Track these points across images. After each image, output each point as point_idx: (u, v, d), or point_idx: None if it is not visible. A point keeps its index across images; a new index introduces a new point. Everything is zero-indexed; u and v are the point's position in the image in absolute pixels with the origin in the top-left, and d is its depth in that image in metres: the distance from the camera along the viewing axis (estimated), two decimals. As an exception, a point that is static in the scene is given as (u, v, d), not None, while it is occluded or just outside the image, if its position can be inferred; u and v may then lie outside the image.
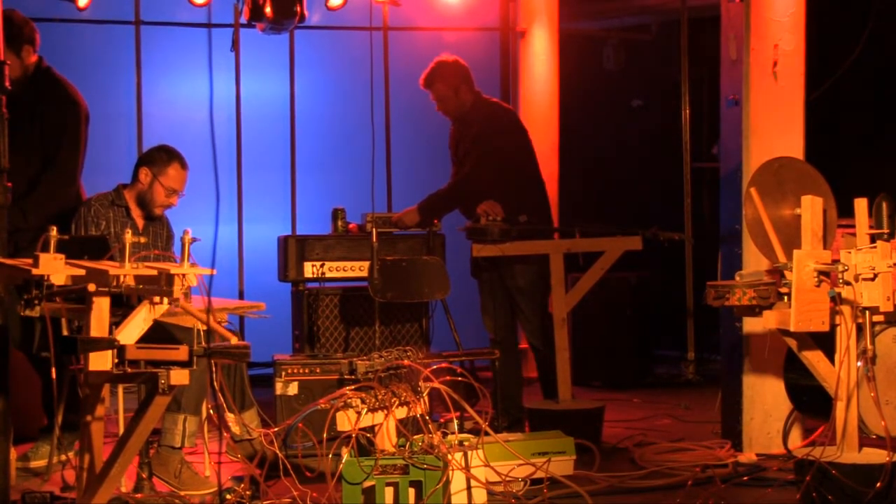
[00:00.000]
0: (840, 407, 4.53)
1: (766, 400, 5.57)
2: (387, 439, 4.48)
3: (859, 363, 4.51)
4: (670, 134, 8.34)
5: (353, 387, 4.47)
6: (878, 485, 4.34)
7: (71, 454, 4.95)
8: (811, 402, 4.96)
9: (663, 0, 8.87)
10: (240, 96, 7.83)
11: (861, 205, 4.58)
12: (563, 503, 4.71)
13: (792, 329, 4.46)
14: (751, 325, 5.47)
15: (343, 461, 4.33)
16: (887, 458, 4.41)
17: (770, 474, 5.11)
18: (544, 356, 6.18)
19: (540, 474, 4.73)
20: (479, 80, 6.47)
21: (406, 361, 4.66)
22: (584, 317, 7.72)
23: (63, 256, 3.77)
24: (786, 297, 4.54)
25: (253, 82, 8.01)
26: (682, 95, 7.94)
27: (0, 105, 4.41)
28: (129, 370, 3.67)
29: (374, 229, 6.06)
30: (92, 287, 3.71)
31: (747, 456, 5.46)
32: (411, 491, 4.30)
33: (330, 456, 4.33)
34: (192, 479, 5.05)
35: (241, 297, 7.74)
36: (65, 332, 4.09)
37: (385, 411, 4.45)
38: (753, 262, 5.35)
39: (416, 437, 4.45)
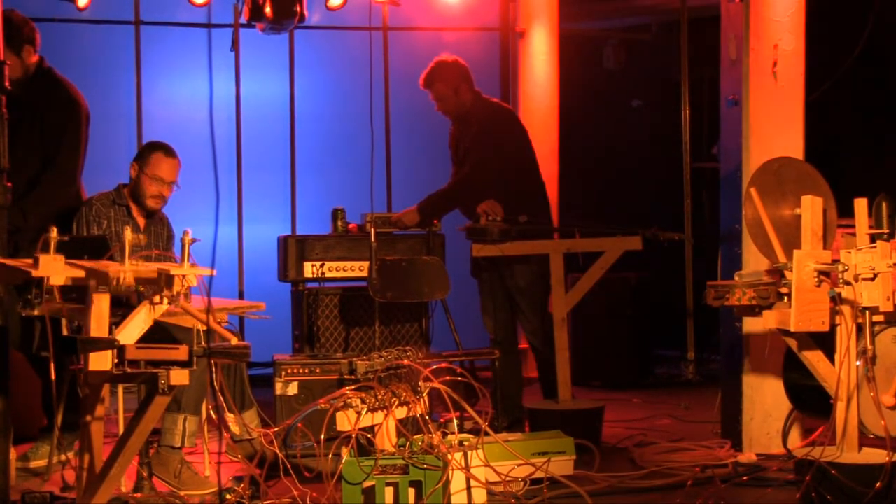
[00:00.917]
0: (840, 407, 4.53)
1: (765, 400, 5.57)
2: (387, 439, 4.48)
3: (859, 363, 4.51)
4: (670, 134, 8.33)
5: (352, 387, 4.47)
6: (878, 485, 4.34)
7: (71, 454, 4.95)
8: (811, 402, 4.96)
9: (663, 0, 8.87)
10: (240, 96, 7.84)
11: (861, 205, 4.58)
12: (563, 503, 4.71)
13: (792, 329, 4.46)
14: (751, 325, 5.47)
15: (343, 461, 4.33)
16: (887, 458, 4.41)
17: (770, 474, 5.11)
18: (544, 356, 6.17)
19: (540, 474, 4.73)
20: (479, 80, 6.47)
21: (406, 361, 4.66)
22: (584, 317, 7.72)
23: (63, 257, 3.76)
24: (786, 297, 4.54)
25: (253, 82, 8.01)
26: (682, 95, 7.94)
27: (0, 105, 4.41)
28: (129, 370, 3.67)
29: (373, 229, 6.06)
30: (92, 286, 3.71)
31: (747, 456, 5.46)
32: (411, 491, 4.30)
33: (330, 456, 4.33)
34: (192, 479, 5.05)
35: (241, 297, 7.74)
36: (65, 333, 4.09)
37: (385, 411, 4.45)
38: (753, 262, 5.35)
39: (416, 437, 4.45)
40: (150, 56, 7.88)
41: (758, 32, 5.56)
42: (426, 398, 4.65)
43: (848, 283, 4.41)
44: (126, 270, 3.78)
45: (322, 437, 4.30)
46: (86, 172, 5.92)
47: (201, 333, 3.86)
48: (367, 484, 4.30)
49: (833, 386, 4.54)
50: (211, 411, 5.17)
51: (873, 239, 4.51)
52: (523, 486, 4.75)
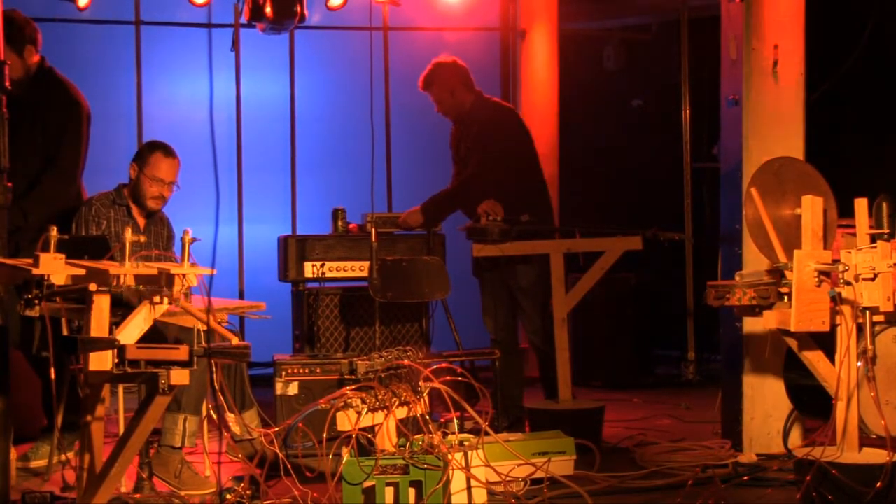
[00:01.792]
0: (840, 407, 4.53)
1: (766, 400, 5.57)
2: (387, 439, 4.48)
3: (859, 363, 4.51)
4: (670, 134, 8.33)
5: (353, 387, 4.47)
6: (878, 485, 4.34)
7: (71, 454, 4.95)
8: (811, 402, 4.96)
9: (663, 0, 8.87)
10: (240, 96, 7.84)
11: (861, 205, 4.58)
12: (563, 503, 4.71)
13: (792, 329, 4.46)
14: (751, 325, 5.47)
15: (343, 461, 4.33)
16: (887, 458, 4.41)
17: (770, 474, 5.11)
18: (546, 356, 6.17)
19: (540, 474, 4.73)
20: (479, 80, 6.47)
21: (406, 361, 4.66)
22: (584, 317, 7.72)
23: (63, 256, 3.77)
24: (786, 297, 4.54)
25: (253, 82, 8.01)
26: (682, 95, 7.94)
27: (0, 105, 4.41)
28: (129, 370, 3.67)
29: (373, 229, 6.06)
30: (93, 287, 3.71)
31: (747, 456, 5.45)
32: (411, 491, 4.30)
33: (330, 456, 4.33)
34: (192, 479, 5.05)
35: (241, 297, 7.74)
36: (65, 333, 4.09)
37: (385, 411, 4.45)
38: (753, 262, 5.35)
39: (416, 437, 4.45)
40: (150, 56, 7.88)
41: (758, 32, 5.56)
42: (426, 398, 4.65)
43: (848, 284, 4.41)
44: (126, 270, 3.78)
45: (323, 437, 4.30)
46: (86, 172, 5.93)
47: (201, 333, 3.86)
48: (367, 484, 4.30)
49: (833, 386, 4.54)
50: (211, 411, 5.17)
51: (873, 239, 4.51)
52: (524, 486, 4.75)
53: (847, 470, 4.40)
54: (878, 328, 4.64)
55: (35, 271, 3.72)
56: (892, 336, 4.73)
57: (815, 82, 6.27)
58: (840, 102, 7.78)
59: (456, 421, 4.54)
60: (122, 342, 3.68)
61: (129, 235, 3.85)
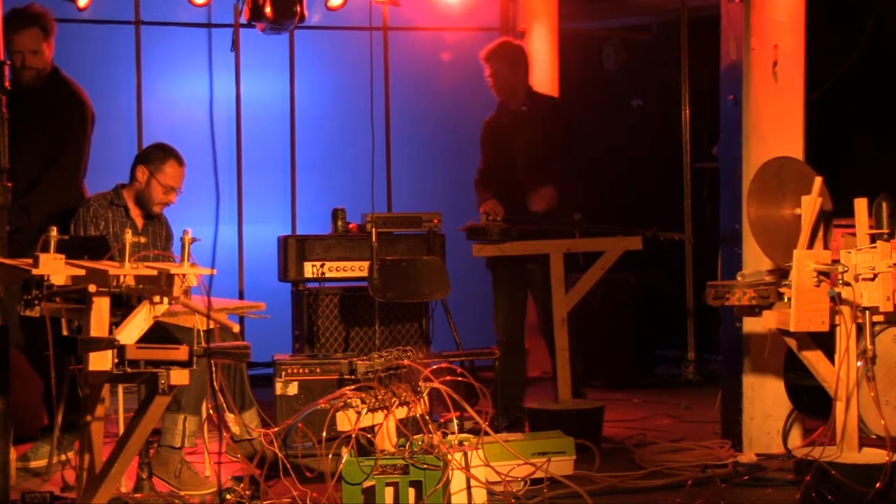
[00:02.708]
0: (840, 407, 4.53)
1: (766, 400, 5.57)
2: (387, 439, 4.48)
3: (859, 363, 4.51)
4: (670, 134, 8.33)
5: (353, 387, 4.48)
6: (878, 485, 4.34)
7: (71, 454, 4.95)
8: (811, 402, 4.96)
9: (663, 0, 8.86)
10: (240, 96, 7.83)
11: (861, 205, 4.58)
12: (563, 503, 4.71)
13: (792, 329, 4.46)
14: (751, 325, 5.47)
15: (343, 461, 4.33)
16: (887, 458, 4.41)
17: (770, 474, 5.11)
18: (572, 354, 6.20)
19: (540, 474, 4.73)
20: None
21: (406, 361, 4.66)
22: (584, 317, 7.71)
23: (63, 256, 3.77)
24: (786, 297, 4.54)
25: (253, 82, 8.01)
26: (682, 95, 7.93)
27: (0, 105, 4.42)
28: (129, 370, 3.67)
29: (373, 229, 6.06)
30: (92, 288, 3.71)
31: (747, 456, 5.46)
32: (411, 491, 4.30)
33: (330, 456, 4.33)
34: (192, 479, 5.05)
35: (241, 297, 7.73)
36: (65, 333, 4.09)
37: (385, 411, 4.45)
38: (753, 262, 5.35)
39: (416, 437, 4.45)
40: (150, 56, 7.88)
41: (758, 32, 5.56)
42: (426, 398, 4.65)
43: (848, 284, 4.41)
44: (126, 271, 3.78)
45: (322, 437, 4.30)
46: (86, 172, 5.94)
47: (201, 333, 3.86)
48: (367, 484, 4.30)
49: (833, 386, 4.54)
50: (211, 411, 5.17)
51: (873, 239, 4.51)
52: (523, 486, 4.75)
53: (846, 470, 4.40)
54: (877, 328, 4.64)
55: (35, 271, 3.72)
56: (892, 336, 4.73)
57: (815, 82, 6.26)
58: (840, 102, 7.78)
59: (456, 421, 4.55)
60: (121, 342, 3.68)
61: (128, 236, 3.85)
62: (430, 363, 4.74)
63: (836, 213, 4.81)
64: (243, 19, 7.09)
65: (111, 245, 4.81)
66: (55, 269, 3.74)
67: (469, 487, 4.39)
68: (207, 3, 7.39)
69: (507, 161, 6.40)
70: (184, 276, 3.86)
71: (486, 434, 4.54)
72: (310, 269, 6.33)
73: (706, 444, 5.69)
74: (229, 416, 5.15)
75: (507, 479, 4.59)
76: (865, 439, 4.63)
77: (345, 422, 4.34)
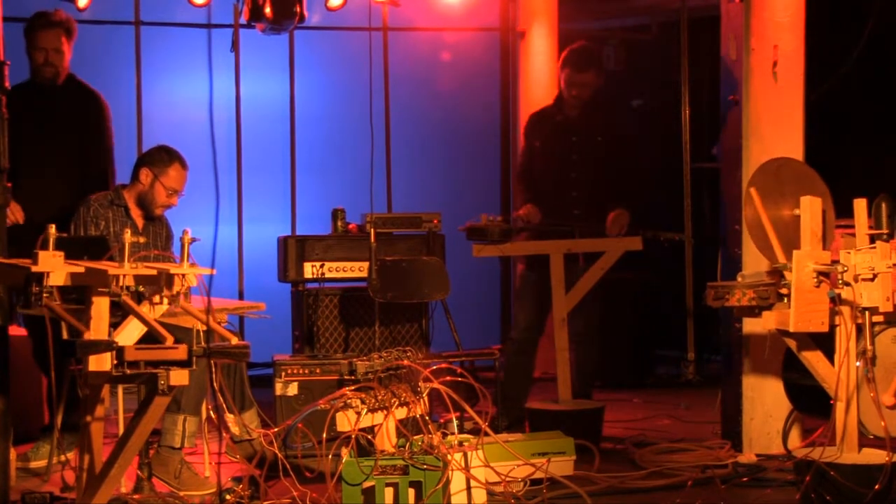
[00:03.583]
0: (840, 407, 4.53)
1: (765, 400, 5.57)
2: (386, 440, 4.48)
3: (859, 364, 4.51)
4: (670, 134, 8.32)
5: (352, 387, 4.47)
6: (878, 485, 4.34)
7: (71, 454, 4.95)
8: (811, 403, 4.96)
9: (663, 0, 8.87)
10: (240, 97, 7.84)
11: (861, 205, 4.58)
12: (563, 503, 4.71)
13: (791, 329, 4.46)
14: (751, 325, 5.47)
15: (343, 461, 4.33)
16: (887, 459, 4.41)
17: (770, 474, 5.11)
18: (588, 353, 6.17)
19: (540, 475, 4.73)
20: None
21: (406, 362, 4.66)
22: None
23: (62, 254, 3.77)
24: (785, 298, 4.54)
25: (253, 83, 8.01)
26: (682, 95, 7.92)
27: (0, 105, 4.43)
28: (128, 371, 3.67)
29: (373, 230, 6.06)
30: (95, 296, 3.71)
31: (747, 456, 5.46)
32: (411, 491, 4.30)
33: (330, 456, 4.33)
34: (192, 479, 5.05)
35: (241, 297, 7.74)
36: (64, 335, 4.09)
37: (385, 411, 4.45)
38: (753, 262, 5.35)
39: (416, 437, 4.45)
40: (150, 56, 7.88)
41: (758, 32, 5.56)
42: (426, 398, 4.65)
43: (847, 284, 4.41)
44: (126, 271, 3.78)
45: (322, 437, 4.30)
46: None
47: (201, 333, 3.86)
48: (366, 484, 4.30)
49: (833, 386, 4.54)
50: (211, 412, 5.17)
51: (873, 239, 4.51)
52: (523, 486, 4.75)
53: (846, 470, 4.40)
54: (877, 328, 4.63)
55: (34, 269, 3.72)
56: (892, 336, 4.72)
57: (815, 82, 6.26)
58: (840, 102, 7.78)
59: (455, 421, 4.55)
60: (120, 344, 3.68)
61: (128, 236, 3.85)
62: (429, 363, 4.74)
63: (835, 214, 4.81)
64: (243, 20, 7.09)
65: (111, 245, 4.81)
66: (54, 266, 3.74)
67: (469, 488, 4.38)
68: (207, 3, 7.39)
69: (554, 163, 6.30)
70: (184, 276, 3.86)
71: (486, 434, 4.54)
72: (310, 270, 6.32)
73: (706, 445, 5.69)
74: (229, 417, 5.15)
75: (507, 479, 4.59)
76: (865, 440, 4.63)
77: (345, 422, 4.34)
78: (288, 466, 4.39)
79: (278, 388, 5.53)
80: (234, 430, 5.23)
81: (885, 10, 7.60)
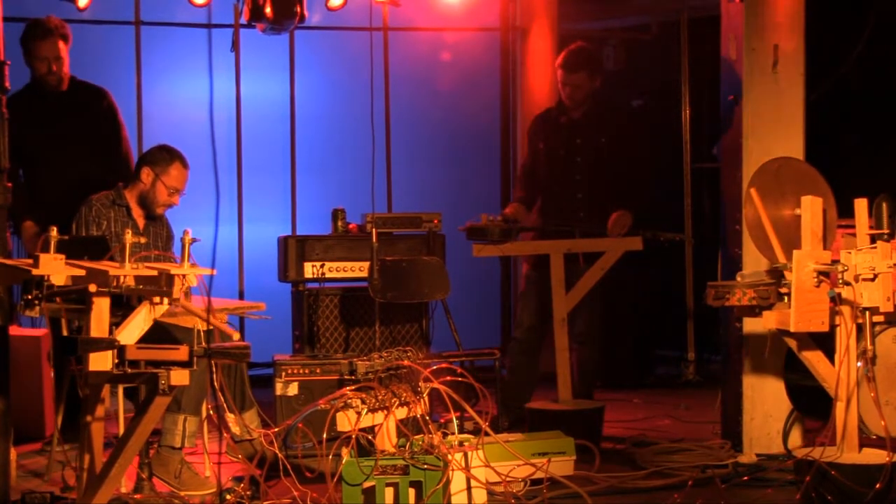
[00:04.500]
0: (840, 407, 4.53)
1: (766, 400, 5.57)
2: (387, 439, 4.48)
3: (859, 363, 4.51)
4: (670, 134, 8.33)
5: (353, 387, 4.47)
6: (878, 485, 4.34)
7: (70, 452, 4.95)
8: (811, 403, 4.96)
9: (663, 0, 8.87)
10: (240, 97, 7.84)
11: (861, 205, 4.58)
12: (563, 503, 4.71)
13: (792, 329, 4.46)
14: (751, 325, 5.47)
15: (343, 461, 4.33)
16: (887, 459, 4.41)
17: (770, 474, 5.11)
18: (589, 355, 6.17)
19: (540, 475, 4.73)
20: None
21: (406, 362, 4.66)
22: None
23: (63, 257, 3.77)
24: (786, 298, 4.54)
25: (253, 83, 8.01)
26: (682, 95, 7.94)
27: (0, 105, 4.44)
28: (129, 370, 3.67)
29: (373, 229, 6.06)
30: (93, 288, 3.71)
31: (747, 456, 5.46)
32: (411, 491, 4.30)
33: (330, 456, 4.33)
34: (192, 479, 5.05)
35: (241, 297, 7.74)
36: (64, 331, 4.08)
37: (385, 411, 4.45)
38: (753, 262, 5.35)
39: (416, 437, 4.45)
40: (150, 56, 7.88)
41: (758, 32, 5.56)
42: (426, 398, 4.65)
43: (848, 284, 4.41)
44: (126, 271, 3.78)
45: (323, 437, 4.30)
46: (86, 172, 5.97)
47: (201, 333, 3.86)
48: (367, 484, 4.30)
49: (833, 386, 4.54)
50: (211, 411, 5.17)
51: (873, 239, 4.51)
52: (523, 486, 4.75)
53: (846, 470, 4.40)
54: (877, 328, 4.64)
55: (35, 271, 3.72)
56: (892, 336, 4.73)
57: (815, 82, 6.26)
58: (840, 102, 7.78)
59: (456, 421, 4.55)
60: (121, 343, 3.68)
61: (129, 236, 3.85)
62: (430, 363, 4.74)
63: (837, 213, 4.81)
64: (243, 20, 7.09)
65: (112, 245, 4.81)
66: (55, 269, 3.74)
67: (469, 488, 4.39)
68: (207, 3, 7.40)
69: (559, 165, 6.30)
70: (184, 276, 3.86)
71: (487, 434, 4.54)
72: (310, 270, 6.33)
73: (706, 445, 5.69)
74: (229, 417, 5.15)
75: (507, 479, 4.59)
76: (865, 440, 4.63)
77: (345, 422, 4.34)
78: (288, 466, 4.39)
79: (278, 388, 5.53)
80: (235, 429, 5.23)
81: (885, 10, 7.60)
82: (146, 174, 5.44)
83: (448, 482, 4.30)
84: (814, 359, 4.63)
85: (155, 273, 3.85)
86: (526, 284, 6.40)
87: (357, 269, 6.37)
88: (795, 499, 4.60)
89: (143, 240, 4.56)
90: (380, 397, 4.44)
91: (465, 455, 4.40)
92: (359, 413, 4.34)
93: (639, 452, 5.55)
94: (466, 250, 6.16)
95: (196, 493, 4.97)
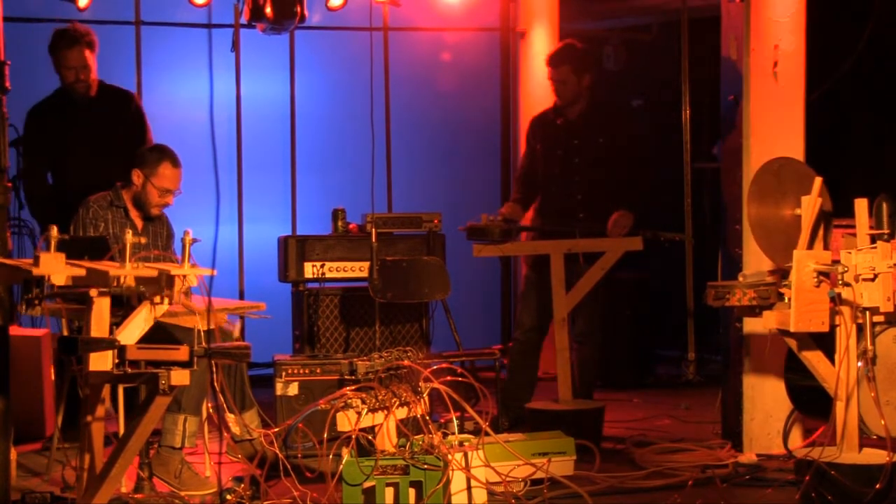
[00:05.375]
0: (840, 407, 4.54)
1: (766, 400, 5.57)
2: (387, 439, 4.48)
3: (859, 363, 4.51)
4: (670, 134, 8.33)
5: (353, 387, 4.48)
6: (878, 485, 4.34)
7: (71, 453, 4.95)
8: (811, 403, 4.96)
9: (663, 0, 8.86)
10: (240, 96, 7.83)
11: (861, 205, 4.58)
12: (563, 503, 4.71)
13: (792, 329, 4.46)
14: (751, 325, 5.47)
15: (343, 461, 4.33)
16: (887, 459, 4.41)
17: (770, 474, 5.11)
18: (590, 356, 6.17)
19: (540, 475, 4.73)
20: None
21: (406, 362, 4.66)
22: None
23: (63, 256, 3.77)
24: (786, 298, 4.54)
25: (253, 83, 8.01)
26: (682, 95, 7.93)
27: (0, 105, 4.44)
28: (129, 370, 3.67)
29: (373, 229, 6.06)
30: (94, 293, 3.71)
31: (747, 456, 5.46)
32: (411, 491, 4.30)
33: (330, 456, 4.33)
34: (193, 479, 5.05)
35: (241, 297, 7.73)
36: (64, 331, 4.09)
37: (385, 412, 4.46)
38: (754, 262, 5.35)
39: (416, 437, 4.45)
40: (150, 56, 7.88)
41: (758, 32, 5.56)
42: (426, 398, 4.65)
43: (848, 284, 4.41)
44: (126, 272, 3.78)
45: (323, 437, 4.30)
46: (87, 173, 5.97)
47: (202, 333, 3.86)
48: (367, 484, 4.30)
49: (833, 386, 4.54)
50: (211, 411, 5.17)
51: (873, 239, 4.51)
52: (524, 486, 4.75)
53: (846, 470, 4.41)
54: (878, 328, 4.64)
55: (35, 271, 3.72)
56: (892, 336, 4.73)
57: (815, 82, 6.26)
58: (840, 102, 7.77)
59: (456, 421, 4.55)
60: (122, 343, 3.68)
61: (129, 236, 3.85)
62: (430, 363, 4.74)
63: (836, 213, 4.81)
64: (243, 20, 7.09)
65: (111, 245, 4.81)
66: (55, 268, 3.74)
67: (469, 488, 4.39)
68: (208, 3, 7.39)
69: (557, 167, 6.29)
70: (184, 276, 3.86)
71: (487, 434, 4.54)
72: (310, 270, 6.33)
73: (706, 445, 5.69)
74: (230, 417, 5.15)
75: (508, 479, 4.59)
76: (865, 439, 4.63)
77: (345, 422, 4.34)
78: (288, 466, 4.39)
79: (279, 388, 5.53)
80: (235, 429, 5.23)
81: (885, 10, 7.60)
82: (136, 176, 5.42)
83: (448, 482, 4.30)
84: (814, 359, 4.63)
85: (155, 273, 3.85)
86: (526, 285, 6.41)
87: (357, 269, 6.37)
88: (795, 499, 4.60)
89: (142, 240, 4.56)
90: (380, 397, 4.45)
91: (466, 455, 4.40)
92: (359, 413, 4.34)
93: (639, 452, 5.55)
94: (466, 250, 6.16)
95: (196, 493, 4.97)
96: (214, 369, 4.12)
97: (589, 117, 6.26)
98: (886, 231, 4.54)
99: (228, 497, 4.49)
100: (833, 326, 4.49)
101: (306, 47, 8.26)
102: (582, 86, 6.22)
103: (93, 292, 3.71)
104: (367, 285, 5.98)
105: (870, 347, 4.47)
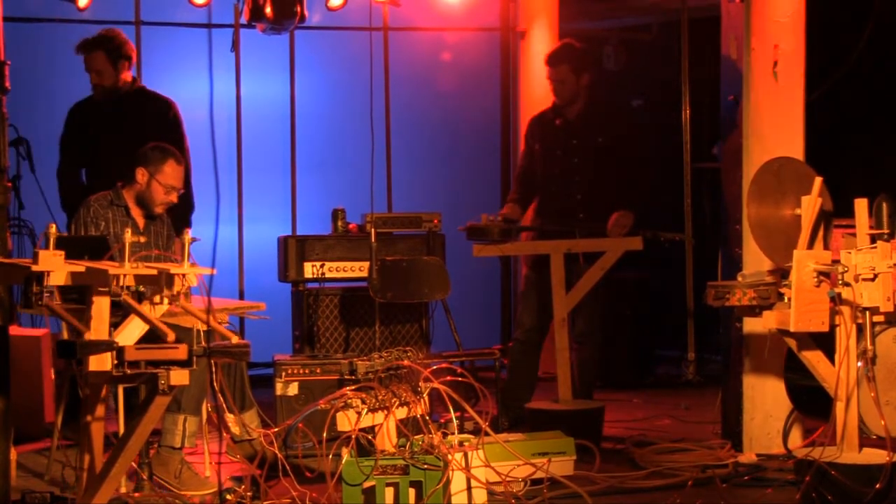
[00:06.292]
0: (840, 407, 4.53)
1: (766, 400, 5.57)
2: (387, 439, 4.48)
3: (859, 363, 4.51)
4: (670, 134, 8.33)
5: (353, 387, 4.48)
6: (878, 485, 4.34)
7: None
8: (811, 403, 4.96)
9: (663, 0, 8.87)
10: (240, 97, 7.84)
11: (861, 205, 4.58)
12: (563, 503, 4.71)
13: (792, 329, 4.46)
14: (751, 325, 5.47)
15: (343, 461, 4.33)
16: (887, 459, 4.41)
17: (770, 474, 5.11)
18: (590, 357, 6.17)
19: (540, 474, 4.73)
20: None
21: (406, 362, 4.66)
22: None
23: (63, 253, 3.76)
24: (786, 298, 4.54)
25: (253, 83, 8.01)
26: (682, 95, 7.93)
27: (0, 105, 4.44)
28: (128, 371, 3.67)
29: (373, 229, 6.06)
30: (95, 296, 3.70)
31: (747, 456, 5.46)
32: (411, 491, 4.30)
33: (330, 456, 4.33)
34: (192, 479, 5.05)
35: (241, 297, 7.74)
36: (64, 335, 4.08)
37: (385, 412, 4.45)
38: (754, 262, 5.35)
39: (416, 437, 4.45)
40: (150, 56, 7.88)
41: (758, 32, 5.56)
42: (426, 398, 4.65)
43: (847, 284, 4.41)
44: (126, 271, 3.78)
45: (323, 437, 4.30)
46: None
47: (201, 333, 3.86)
48: (367, 484, 4.30)
49: (833, 386, 4.54)
50: (211, 412, 5.17)
51: (873, 239, 4.51)
52: (524, 486, 4.75)
53: (846, 470, 4.40)
54: (878, 328, 4.64)
55: (34, 268, 3.72)
56: (892, 336, 4.73)
57: (815, 82, 6.26)
58: (840, 102, 7.77)
59: (456, 421, 4.55)
60: (121, 344, 3.68)
61: (129, 236, 3.85)
62: (430, 363, 4.74)
63: (836, 213, 4.81)
64: (243, 20, 7.09)
65: (111, 245, 4.81)
66: (54, 266, 3.74)
67: (469, 488, 4.39)
68: (208, 3, 7.40)
69: (556, 167, 6.27)
70: (184, 276, 3.86)
71: (487, 434, 4.54)
72: (310, 270, 6.33)
73: (706, 445, 5.69)
74: (229, 417, 5.15)
75: (508, 479, 4.59)
76: (866, 439, 4.63)
77: (345, 422, 4.34)
78: (288, 466, 4.39)
79: (278, 388, 5.54)
80: (235, 429, 5.23)
81: (885, 10, 7.60)
82: (141, 175, 5.42)
83: (448, 482, 4.30)
84: (814, 359, 4.63)
85: (155, 272, 3.85)
86: (526, 285, 6.41)
87: (357, 269, 6.37)
88: (795, 499, 4.60)
89: (142, 239, 4.56)
90: (380, 397, 4.45)
91: (465, 455, 4.40)
92: (359, 413, 4.34)
93: (639, 452, 5.55)
94: (466, 250, 6.16)
95: (196, 493, 4.97)
96: (214, 369, 4.12)
97: (588, 117, 6.25)
98: (886, 231, 4.54)
99: (228, 497, 4.49)
100: (833, 326, 4.49)
101: (306, 47, 8.26)
102: (580, 85, 6.22)
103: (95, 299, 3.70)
104: (367, 285, 5.98)
105: (870, 347, 4.47)
